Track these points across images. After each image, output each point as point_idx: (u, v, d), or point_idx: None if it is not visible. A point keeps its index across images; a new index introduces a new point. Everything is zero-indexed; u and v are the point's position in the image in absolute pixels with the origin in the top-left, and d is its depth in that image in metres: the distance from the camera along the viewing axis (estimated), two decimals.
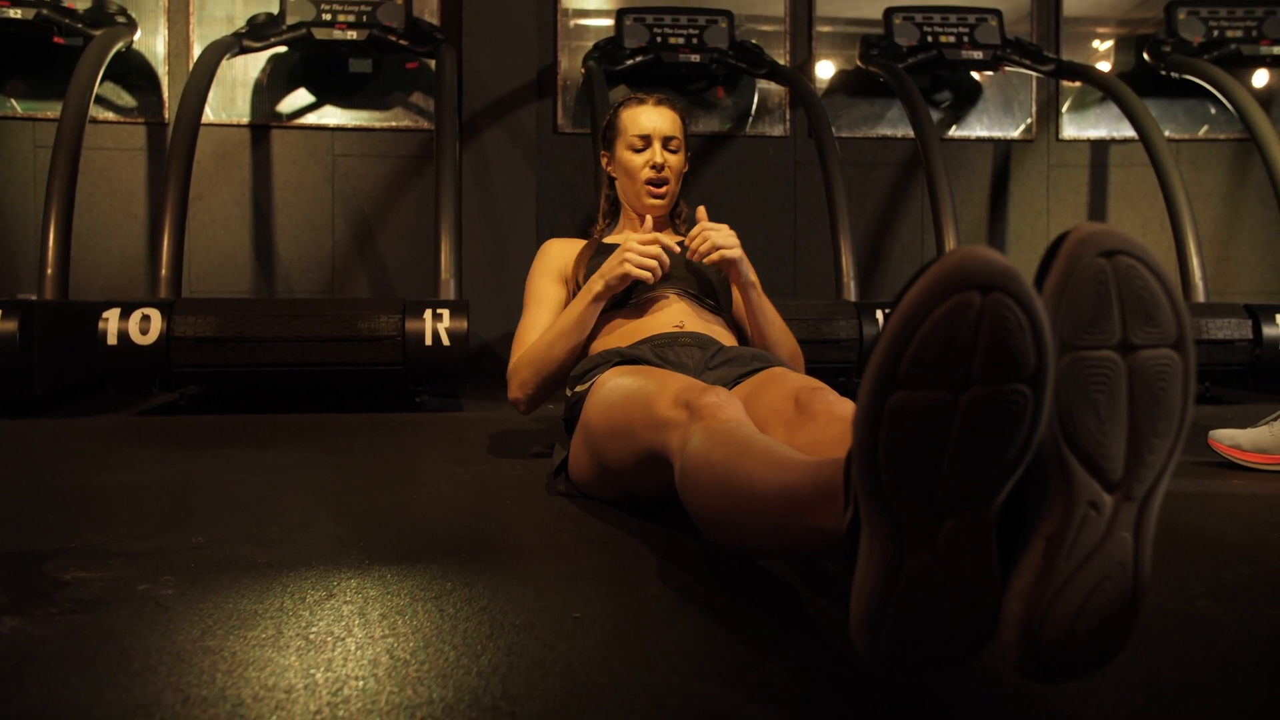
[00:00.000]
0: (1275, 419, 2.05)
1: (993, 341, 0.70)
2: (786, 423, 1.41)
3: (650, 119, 2.11)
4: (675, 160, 2.13)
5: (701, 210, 2.05)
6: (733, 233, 1.95)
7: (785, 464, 1.01)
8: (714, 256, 1.92)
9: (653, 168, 2.10)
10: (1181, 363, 0.76)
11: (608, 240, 2.19)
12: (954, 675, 0.92)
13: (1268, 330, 3.36)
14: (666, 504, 1.58)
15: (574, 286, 2.09)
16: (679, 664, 0.94)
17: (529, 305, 2.12)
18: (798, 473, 0.97)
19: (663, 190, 2.12)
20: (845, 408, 1.37)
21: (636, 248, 1.90)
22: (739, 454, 1.10)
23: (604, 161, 2.24)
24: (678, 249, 1.99)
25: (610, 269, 1.92)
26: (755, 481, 1.03)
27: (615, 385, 1.55)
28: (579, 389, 1.75)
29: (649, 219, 2.01)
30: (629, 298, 1.97)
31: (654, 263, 1.90)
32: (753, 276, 1.99)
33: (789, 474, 0.99)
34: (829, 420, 1.35)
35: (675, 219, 2.25)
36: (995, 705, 0.87)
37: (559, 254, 2.17)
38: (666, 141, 2.11)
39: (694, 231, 1.94)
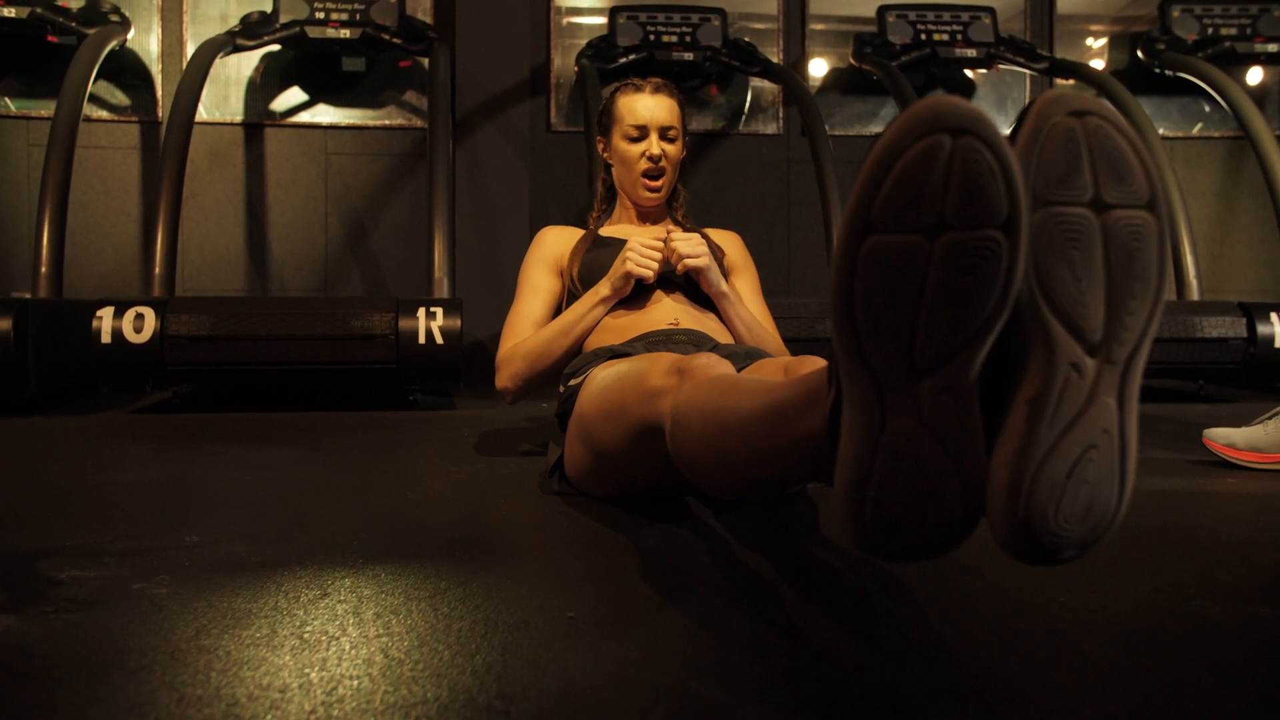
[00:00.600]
0: (1270, 417, 2.05)
1: (964, 184, 0.70)
2: None
3: (647, 108, 2.10)
4: (673, 150, 2.12)
5: (667, 223, 2.06)
6: (701, 241, 1.96)
7: (771, 387, 1.02)
8: (680, 268, 1.94)
9: (649, 159, 2.09)
10: (1155, 224, 0.76)
11: (604, 232, 2.18)
12: (949, 674, 0.93)
13: (1262, 328, 3.36)
14: (661, 501, 1.59)
15: (567, 280, 2.09)
16: (673, 663, 0.94)
17: (522, 293, 2.12)
18: (783, 389, 0.98)
19: (659, 183, 2.12)
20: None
21: (638, 247, 1.92)
22: (727, 391, 1.10)
23: (600, 147, 2.23)
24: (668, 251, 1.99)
25: (614, 271, 1.94)
26: (743, 409, 1.03)
27: (608, 372, 1.55)
28: (572, 383, 1.75)
29: (664, 229, 2.00)
30: (628, 294, 1.98)
31: (655, 264, 1.92)
32: (723, 286, 1.99)
33: (774, 393, 0.99)
34: None
35: (672, 206, 2.25)
36: (991, 705, 0.87)
37: (555, 242, 2.17)
38: (664, 131, 2.10)
39: (665, 249, 1.96)
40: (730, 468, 1.08)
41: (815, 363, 1.43)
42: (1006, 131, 0.72)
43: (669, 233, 1.98)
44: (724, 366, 1.27)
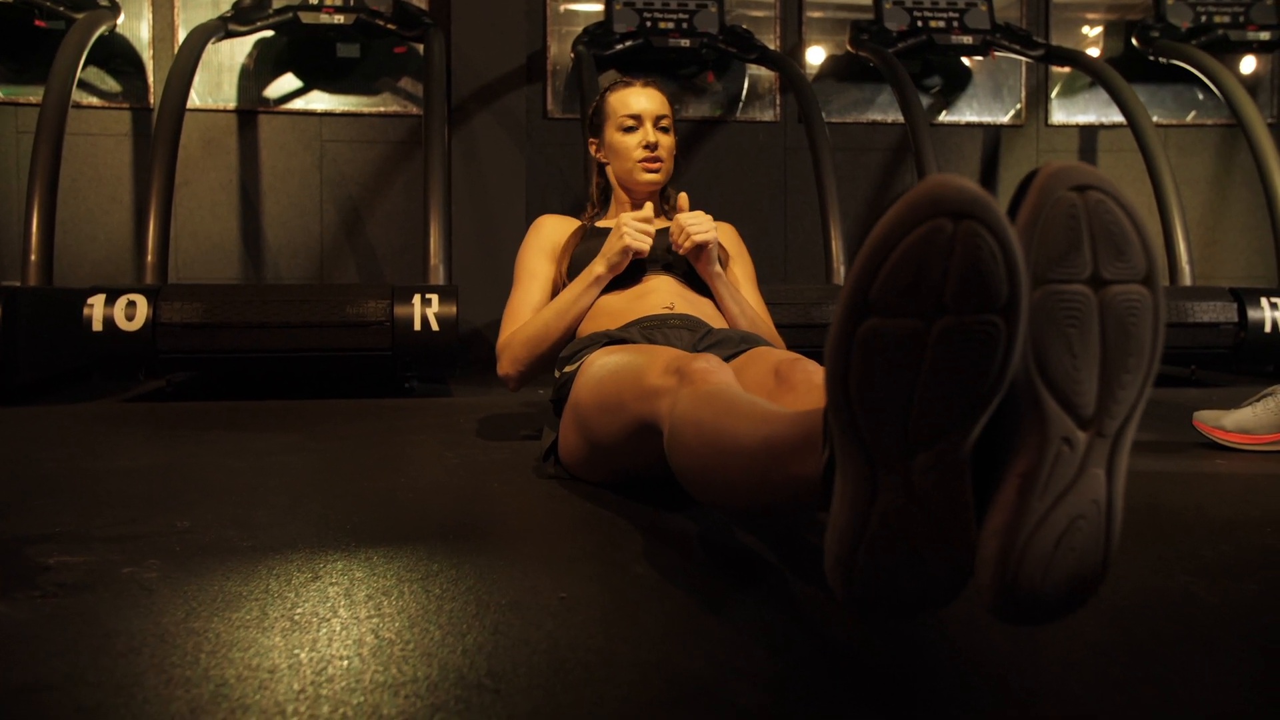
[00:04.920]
0: (1258, 400, 2.06)
1: (965, 269, 0.70)
2: (768, 394, 1.42)
3: (640, 100, 2.14)
4: (667, 139, 2.15)
5: (683, 197, 2.05)
6: (707, 217, 1.97)
7: (769, 417, 1.02)
8: (689, 244, 1.93)
9: (646, 146, 2.11)
10: (1151, 298, 0.76)
11: (600, 225, 2.18)
12: (936, 649, 0.93)
13: (1253, 313, 3.37)
14: (655, 484, 1.59)
15: (560, 273, 2.09)
16: (664, 642, 0.94)
17: (520, 280, 2.12)
18: (780, 424, 0.98)
19: (657, 165, 2.13)
20: (823, 376, 1.37)
21: (632, 222, 1.92)
22: (725, 411, 1.10)
23: (593, 149, 2.24)
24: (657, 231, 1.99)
25: (610, 247, 1.94)
26: (740, 435, 1.03)
27: (604, 362, 1.55)
28: (568, 369, 1.75)
29: (649, 206, 2.00)
30: (623, 280, 1.98)
31: (650, 237, 1.93)
32: (718, 267, 1.98)
33: (772, 426, 0.99)
34: (808, 389, 1.36)
35: (665, 202, 2.25)
36: (978, 679, 0.87)
37: (552, 230, 2.18)
38: (657, 120, 2.13)
39: (673, 228, 1.96)
40: (726, 491, 1.08)
41: (805, 369, 1.43)
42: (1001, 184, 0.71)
43: (675, 215, 1.98)
44: (723, 373, 1.26)
